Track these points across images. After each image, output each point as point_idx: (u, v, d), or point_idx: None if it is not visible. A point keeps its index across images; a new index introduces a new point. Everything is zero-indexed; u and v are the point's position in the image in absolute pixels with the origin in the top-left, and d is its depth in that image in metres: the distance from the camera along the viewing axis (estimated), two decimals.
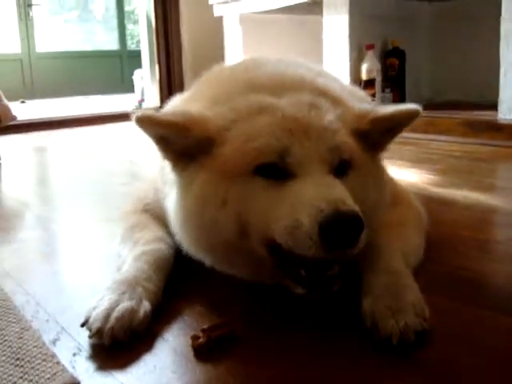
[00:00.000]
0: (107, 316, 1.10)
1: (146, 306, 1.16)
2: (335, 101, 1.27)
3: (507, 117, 3.64)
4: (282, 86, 1.26)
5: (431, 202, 2.04)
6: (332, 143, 1.15)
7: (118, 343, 1.08)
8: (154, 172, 1.58)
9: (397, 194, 1.52)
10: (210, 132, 1.16)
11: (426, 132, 3.87)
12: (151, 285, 1.23)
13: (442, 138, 3.71)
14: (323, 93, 1.28)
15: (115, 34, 12.73)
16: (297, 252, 1.06)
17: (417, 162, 2.96)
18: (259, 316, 1.22)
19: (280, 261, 1.14)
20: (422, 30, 5.09)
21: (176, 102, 1.51)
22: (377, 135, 1.26)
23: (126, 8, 13.00)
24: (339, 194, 1.07)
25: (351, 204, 1.05)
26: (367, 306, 1.12)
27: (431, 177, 2.59)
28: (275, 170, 1.12)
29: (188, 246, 1.28)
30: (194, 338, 1.08)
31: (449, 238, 1.69)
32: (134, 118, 1.13)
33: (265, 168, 1.12)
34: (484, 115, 3.82)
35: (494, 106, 3.78)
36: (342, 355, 1.05)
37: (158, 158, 1.32)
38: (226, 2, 5.51)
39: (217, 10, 5.68)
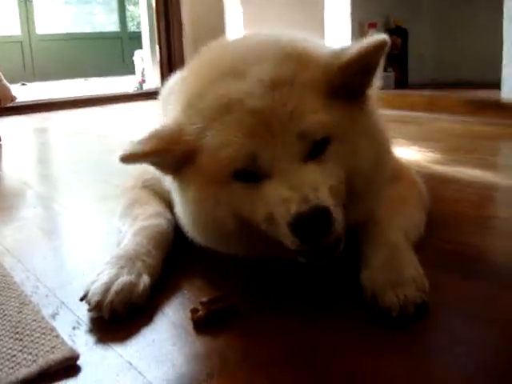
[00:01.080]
0: (106, 290, 1.10)
1: (145, 279, 1.16)
2: (300, 61, 1.18)
3: (510, 96, 3.62)
4: (246, 62, 1.19)
5: (433, 180, 2.02)
6: (299, 130, 1.10)
7: (117, 317, 1.08)
8: None
9: (398, 170, 1.50)
10: (188, 144, 1.16)
11: (427, 111, 3.85)
12: (150, 259, 1.23)
13: (444, 116, 3.69)
14: (287, 57, 1.18)
15: (115, 16, 12.66)
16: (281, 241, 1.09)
17: (418, 140, 2.94)
18: (258, 289, 1.22)
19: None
20: (425, 9, 5.05)
21: (173, 82, 1.54)
22: (352, 81, 1.18)
23: None
24: (306, 188, 1.05)
25: (316, 197, 1.04)
26: (366, 279, 1.12)
27: (433, 155, 2.57)
28: (250, 174, 1.12)
29: (200, 240, 1.29)
30: (193, 311, 1.07)
31: (451, 215, 1.68)
32: (118, 159, 1.14)
33: (241, 174, 1.12)
34: (487, 94, 3.80)
35: (497, 84, 3.76)
36: (342, 326, 1.05)
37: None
38: None
39: None
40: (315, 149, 1.12)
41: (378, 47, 1.14)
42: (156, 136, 1.18)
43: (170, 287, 1.23)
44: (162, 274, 1.25)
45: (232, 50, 1.33)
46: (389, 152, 1.32)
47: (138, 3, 7.87)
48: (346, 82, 1.17)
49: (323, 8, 4.63)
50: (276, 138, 1.10)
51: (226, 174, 1.13)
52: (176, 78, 1.56)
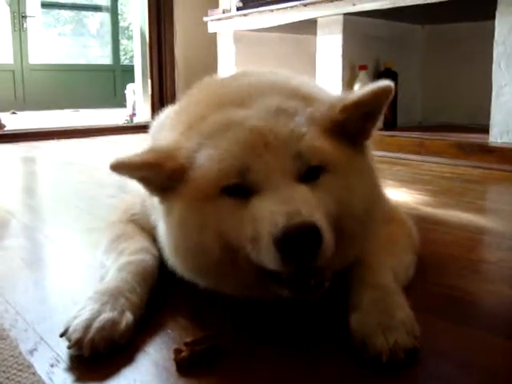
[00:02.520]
0: (87, 326, 1.06)
1: (128, 317, 1.12)
2: (306, 99, 1.22)
3: (498, 140, 3.65)
4: (252, 94, 1.23)
5: (422, 222, 2.01)
6: (295, 150, 1.10)
7: (97, 355, 1.04)
8: (141, 189, 1.55)
9: (388, 211, 1.49)
10: (180, 161, 1.15)
11: (416, 153, 3.87)
12: (134, 296, 1.19)
13: (433, 159, 3.71)
14: (294, 93, 1.23)
15: (109, 49, 12.76)
16: (267, 267, 1.05)
17: (407, 182, 2.94)
18: (246, 330, 1.19)
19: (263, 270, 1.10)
20: (415, 53, 5.13)
21: (165, 115, 1.54)
22: (353, 124, 1.19)
23: (121, 24, 13.05)
24: (296, 204, 1.03)
25: (307, 214, 1.01)
26: (355, 323, 1.09)
27: (422, 197, 2.57)
28: (240, 189, 1.10)
29: (181, 271, 1.25)
30: (177, 351, 1.04)
31: (440, 258, 1.67)
32: (109, 165, 1.14)
33: (230, 188, 1.10)
34: (475, 138, 3.83)
35: (485, 129, 3.80)
36: (329, 372, 1.02)
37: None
38: (221, 19, 5.54)
39: (211, 27, 5.71)
40: (309, 173, 1.12)
41: (383, 93, 1.16)
42: (152, 150, 1.18)
43: (154, 326, 1.19)
44: (146, 312, 1.22)
45: (236, 83, 1.35)
46: (381, 195, 1.31)
47: (131, 37, 7.94)
48: (347, 123, 1.18)
49: (315, 49, 4.69)
50: (272, 152, 1.10)
51: (215, 188, 1.11)
52: (167, 111, 1.56)
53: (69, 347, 1.06)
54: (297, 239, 0.98)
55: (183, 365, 1.02)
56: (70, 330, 1.07)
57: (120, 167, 1.14)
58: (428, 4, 3.89)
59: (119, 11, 12.78)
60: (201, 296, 1.29)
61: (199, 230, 1.12)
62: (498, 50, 3.64)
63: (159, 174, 1.15)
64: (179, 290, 1.34)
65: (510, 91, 3.60)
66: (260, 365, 1.04)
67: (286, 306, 1.22)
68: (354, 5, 4.27)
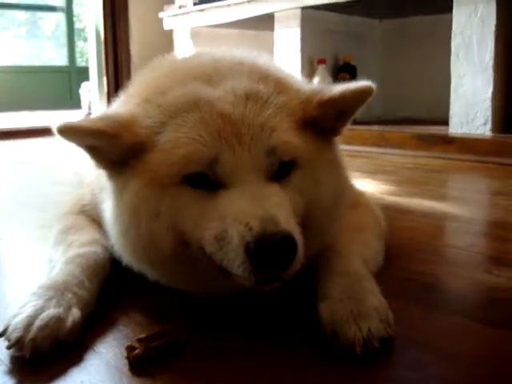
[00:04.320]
0: (29, 324, 0.95)
1: (75, 313, 1.02)
2: (278, 85, 1.13)
3: (458, 130, 3.65)
4: (219, 72, 1.13)
5: (388, 210, 1.94)
6: (268, 145, 1.03)
7: (41, 356, 0.94)
8: (91, 176, 1.44)
9: (355, 197, 1.43)
10: (140, 137, 1.04)
11: (377, 145, 3.84)
12: (83, 291, 1.09)
13: (394, 151, 3.69)
14: (264, 76, 1.14)
15: (64, 51, 12.48)
16: (227, 268, 0.97)
17: (370, 173, 2.90)
18: (204, 324, 1.10)
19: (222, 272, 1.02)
20: (373, 47, 5.12)
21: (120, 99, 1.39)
22: (327, 120, 1.12)
23: (77, 25, 12.79)
24: (272, 208, 0.95)
25: (284, 222, 0.94)
26: (325, 311, 1.01)
27: (386, 187, 2.53)
28: (205, 180, 1.01)
29: (128, 260, 1.15)
30: (130, 348, 0.94)
31: (407, 245, 1.62)
32: (54, 128, 1.00)
33: (193, 178, 1.01)
34: (435, 129, 3.83)
35: (444, 122, 3.81)
36: (298, 363, 0.94)
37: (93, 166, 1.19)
38: (177, 15, 5.43)
39: (167, 23, 5.59)
40: (280, 170, 1.04)
41: (363, 94, 1.10)
42: (106, 117, 1.07)
43: (105, 322, 1.09)
44: (96, 308, 1.12)
45: (198, 59, 1.25)
46: (348, 184, 1.25)
47: (87, 39, 7.76)
48: (322, 118, 1.11)
49: (273, 44, 4.63)
50: (243, 145, 1.01)
51: (177, 175, 1.01)
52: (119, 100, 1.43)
53: (8, 347, 0.94)
54: (271, 250, 0.90)
55: (137, 363, 0.92)
56: (10, 328, 0.96)
57: (68, 131, 1.01)
58: None
59: (74, 13, 12.52)
60: (155, 289, 1.20)
61: (152, 217, 1.03)
62: (456, 41, 3.64)
63: (114, 147, 1.04)
64: (132, 283, 1.24)
65: (468, 82, 3.60)
66: (221, 361, 0.96)
67: (247, 298, 1.14)
68: None
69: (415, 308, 1.17)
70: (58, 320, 0.98)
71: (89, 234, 1.31)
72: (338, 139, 1.22)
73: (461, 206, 2.21)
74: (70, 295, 1.05)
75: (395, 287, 1.25)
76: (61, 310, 1.00)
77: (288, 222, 0.95)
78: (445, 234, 1.85)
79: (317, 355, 0.96)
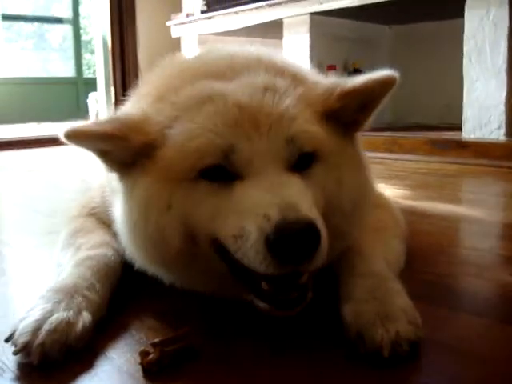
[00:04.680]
0: (37, 328, 0.90)
1: (85, 317, 0.97)
2: (296, 79, 1.09)
3: (471, 135, 3.59)
4: (234, 68, 1.09)
5: (405, 214, 1.87)
6: (288, 134, 0.98)
7: (49, 362, 0.89)
8: (101, 179, 1.39)
9: (376, 198, 1.37)
10: (151, 135, 1.00)
11: (389, 151, 3.78)
12: (93, 294, 1.04)
13: (407, 156, 3.63)
14: (281, 71, 1.10)
15: (71, 63, 12.53)
16: (251, 268, 0.90)
17: (384, 178, 2.84)
18: (221, 328, 1.04)
19: (236, 270, 0.98)
20: (383, 53, 5.08)
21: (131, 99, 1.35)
22: (349, 113, 1.07)
23: (83, 38, 12.84)
24: (291, 197, 0.90)
25: (305, 210, 0.89)
26: (349, 313, 0.95)
27: (401, 191, 2.47)
28: (221, 172, 0.96)
29: (140, 261, 1.11)
30: (144, 354, 0.89)
31: (427, 247, 1.57)
32: (62, 134, 0.96)
33: (210, 171, 0.96)
34: (448, 135, 3.77)
35: (456, 128, 3.76)
36: (314, 369, 0.88)
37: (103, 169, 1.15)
38: (184, 23, 5.41)
39: (174, 31, 5.58)
40: (300, 161, 0.99)
41: (386, 83, 1.05)
42: (116, 120, 1.02)
43: (116, 327, 1.04)
44: (108, 312, 1.06)
45: (213, 55, 1.21)
46: (371, 187, 1.20)
47: (94, 51, 7.77)
48: (344, 110, 1.06)
49: (282, 51, 4.59)
50: (261, 133, 0.96)
51: (191, 169, 0.96)
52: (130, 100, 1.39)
53: (15, 353, 0.89)
54: (293, 238, 0.84)
55: (151, 369, 0.87)
56: (17, 333, 0.91)
57: (76, 136, 0.97)
58: (395, 2, 3.83)
59: (81, 25, 12.58)
60: (168, 292, 1.15)
61: (162, 211, 0.98)
62: (468, 45, 3.58)
63: (124, 149, 1.00)
64: (144, 286, 1.19)
65: (481, 86, 3.54)
66: (238, 367, 0.90)
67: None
68: (321, 3, 4.20)
69: (440, 310, 1.12)
70: (68, 324, 0.93)
71: (99, 236, 1.26)
72: (359, 136, 1.17)
73: (479, 208, 2.15)
74: (80, 298, 1.00)
75: (418, 289, 1.19)
76: (70, 313, 0.95)
77: (310, 210, 0.90)
78: (465, 237, 1.79)
79: (339, 360, 0.91)
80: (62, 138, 0.97)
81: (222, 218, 0.94)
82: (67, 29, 12.50)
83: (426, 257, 1.46)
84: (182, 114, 1.00)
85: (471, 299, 1.22)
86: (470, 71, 3.59)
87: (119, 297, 1.14)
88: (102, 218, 1.34)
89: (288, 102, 1.01)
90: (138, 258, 1.09)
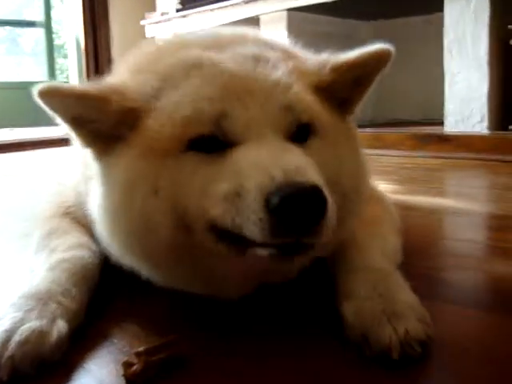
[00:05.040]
0: (6, 340, 0.81)
1: (60, 326, 0.87)
2: (286, 53, 1.02)
3: (454, 129, 3.55)
4: (220, 41, 1.02)
5: (396, 207, 1.84)
6: (284, 101, 0.90)
7: (21, 377, 0.79)
8: (75, 175, 1.29)
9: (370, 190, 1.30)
10: (134, 102, 0.91)
11: (373, 147, 3.72)
12: (70, 300, 0.94)
13: (391, 152, 3.58)
14: (270, 45, 1.03)
15: (44, 67, 12.35)
16: (243, 234, 0.81)
17: (371, 173, 2.79)
18: (211, 335, 0.95)
19: (234, 248, 0.87)
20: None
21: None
22: (343, 89, 1.01)
23: (56, 42, 12.66)
24: (297, 161, 0.82)
25: (313, 175, 0.81)
26: (352, 312, 0.87)
27: (389, 186, 2.41)
28: (214, 142, 0.87)
29: (119, 254, 1.00)
30: (127, 364, 0.80)
31: (421, 241, 1.51)
32: (36, 91, 0.87)
33: (200, 141, 0.87)
34: (431, 129, 3.74)
35: (437, 123, 3.73)
36: (313, 375, 0.80)
37: (79, 150, 1.05)
38: (159, 22, 5.31)
39: (149, 31, 5.47)
40: (298, 134, 0.91)
41: (381, 57, 0.99)
42: (97, 83, 0.93)
43: (96, 335, 0.94)
44: (85, 319, 0.97)
45: (198, 33, 1.13)
46: (368, 171, 1.12)
47: (67, 56, 7.63)
48: (337, 84, 0.99)
49: None
50: (256, 100, 0.88)
51: (180, 140, 0.87)
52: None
53: None
54: (299, 202, 0.75)
55: (135, 381, 0.78)
56: None
57: (52, 93, 0.88)
58: None
59: (54, 29, 12.41)
60: (152, 295, 1.06)
61: (149, 195, 0.88)
62: (448, 37, 3.54)
63: (103, 114, 0.90)
64: (126, 289, 1.10)
65: (463, 78, 3.51)
66: (230, 376, 0.81)
67: (256, 305, 1.00)
68: None
69: (444, 306, 1.05)
70: (41, 334, 0.83)
71: (75, 237, 1.16)
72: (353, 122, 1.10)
73: (468, 201, 2.11)
74: (54, 305, 0.90)
75: (418, 285, 1.12)
76: (44, 322, 0.86)
77: (314, 174, 0.81)
78: (458, 229, 1.73)
79: (340, 363, 0.83)
80: (36, 96, 0.87)
81: (214, 186, 0.84)
82: (40, 33, 12.33)
83: (421, 251, 1.40)
84: (167, 84, 0.92)
85: (476, 294, 1.15)
86: (451, 64, 3.55)
87: (98, 301, 1.05)
88: (78, 218, 1.23)
89: (281, 71, 0.94)
90: (118, 251, 0.99)
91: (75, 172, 1.23)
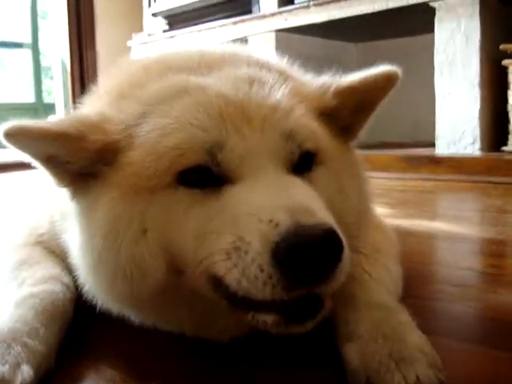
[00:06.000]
0: None
1: (25, 372, 0.76)
2: (283, 74, 0.94)
3: (445, 151, 3.50)
4: (209, 62, 0.93)
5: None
6: (285, 128, 0.82)
7: None
8: (49, 200, 1.19)
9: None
10: (112, 135, 0.82)
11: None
12: (36, 342, 0.83)
13: (381, 174, 3.50)
14: (265, 66, 0.95)
15: (31, 89, 12.28)
16: (249, 295, 0.72)
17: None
18: (195, 378, 0.85)
19: (234, 303, 0.78)
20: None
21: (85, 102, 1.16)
22: (345, 114, 0.93)
23: (44, 64, 12.62)
24: (302, 198, 0.73)
25: (322, 214, 0.72)
26: (356, 356, 0.77)
27: (383, 209, 2.32)
28: (206, 175, 0.78)
29: (105, 301, 0.91)
30: None
31: (421, 268, 1.42)
32: (2, 131, 0.78)
33: (190, 174, 0.78)
34: (422, 151, 3.69)
35: (427, 144, 3.70)
36: None
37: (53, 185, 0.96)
38: (146, 43, 5.25)
39: (135, 52, 5.40)
40: (301, 163, 0.82)
41: (386, 81, 0.92)
42: (70, 119, 0.84)
43: (67, 381, 0.84)
44: (56, 363, 0.86)
45: (184, 52, 1.04)
46: (371, 199, 1.04)
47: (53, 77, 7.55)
48: (339, 110, 0.92)
49: None
50: (254, 128, 0.79)
51: (167, 173, 0.78)
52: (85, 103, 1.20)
53: None
54: (312, 249, 0.66)
55: None
56: None
57: (21, 134, 0.79)
58: (360, 17, 3.75)
59: (41, 51, 12.37)
60: (133, 333, 0.95)
61: (136, 237, 0.79)
62: (439, 58, 3.50)
63: (79, 153, 0.81)
64: (103, 328, 0.99)
65: (454, 100, 3.46)
66: None
67: (250, 343, 0.91)
68: (286, 20, 4.09)
69: (450, 342, 0.95)
70: (2, 382, 0.73)
71: (46, 268, 1.05)
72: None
73: (466, 225, 2.03)
74: (18, 348, 0.80)
75: (425, 319, 1.03)
76: (6, 368, 0.76)
77: (327, 216, 0.72)
78: (459, 256, 1.63)
79: None
80: (1, 137, 0.78)
81: (211, 233, 0.75)
82: (27, 54, 12.28)
83: (422, 279, 1.32)
84: (151, 109, 0.83)
85: (484, 329, 1.06)
86: (442, 85, 3.50)
87: (71, 342, 0.94)
88: (51, 247, 1.13)
89: (280, 95, 0.85)
90: (102, 296, 0.89)
91: (50, 199, 1.13)
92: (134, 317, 0.93)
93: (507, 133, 3.35)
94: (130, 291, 0.83)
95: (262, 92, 0.85)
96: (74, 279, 0.98)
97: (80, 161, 0.83)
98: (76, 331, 0.98)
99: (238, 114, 0.80)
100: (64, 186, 0.88)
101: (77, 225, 0.87)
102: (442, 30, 3.45)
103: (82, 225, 0.85)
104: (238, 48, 1.06)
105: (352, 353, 0.78)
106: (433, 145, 3.62)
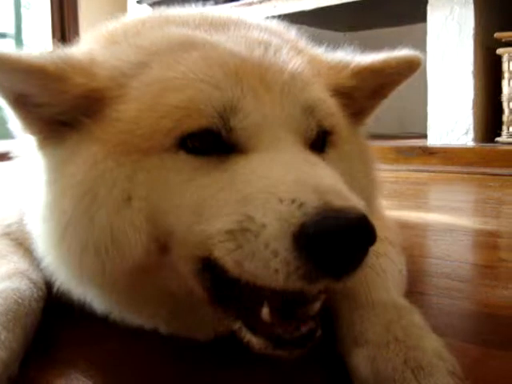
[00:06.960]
0: None
1: None
2: (296, 46, 0.84)
3: (437, 142, 3.42)
4: (213, 22, 0.82)
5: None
6: (306, 100, 0.72)
7: None
8: (20, 190, 1.07)
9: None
10: (100, 81, 0.70)
11: None
12: None
13: None
14: (278, 34, 0.86)
15: None
16: (254, 280, 0.61)
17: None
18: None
19: (224, 294, 0.68)
20: None
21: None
22: (361, 96, 0.85)
23: None
24: (331, 179, 0.63)
25: (356, 200, 0.62)
26: (365, 362, 0.68)
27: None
28: (213, 142, 0.67)
29: (68, 280, 0.78)
30: None
31: (423, 262, 1.34)
32: None
33: (195, 139, 0.67)
34: (412, 142, 3.61)
35: (417, 136, 3.66)
36: None
37: (21, 145, 0.85)
38: None
39: None
40: (316, 142, 0.73)
41: (410, 64, 0.87)
42: (53, 55, 0.72)
43: None
44: (20, 371, 0.75)
45: (183, 11, 0.93)
46: (379, 190, 0.96)
47: None
48: (356, 91, 0.84)
49: None
50: (272, 94, 0.69)
51: (166, 138, 0.67)
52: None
53: None
54: (345, 236, 0.56)
55: None
56: None
57: None
58: (350, 4, 3.66)
59: (24, 41, 12.20)
60: (105, 336, 0.85)
61: (119, 204, 0.67)
62: (431, 47, 3.42)
63: (57, 95, 0.70)
64: (75, 331, 0.89)
65: (446, 90, 3.37)
66: None
67: (230, 349, 0.80)
68: (275, 7, 3.98)
69: (472, 345, 0.85)
70: None
71: (11, 262, 0.94)
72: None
73: (463, 216, 1.95)
74: None
75: (433, 316, 0.94)
76: None
77: (358, 200, 0.62)
78: (461, 249, 1.55)
79: None
80: None
81: (213, 206, 0.64)
82: (10, 44, 12.12)
83: (427, 273, 1.23)
84: (151, 58, 0.72)
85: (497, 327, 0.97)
86: (434, 75, 3.42)
87: (38, 346, 0.84)
88: (19, 239, 1.02)
89: (298, 63, 0.76)
90: (68, 277, 0.77)
91: (19, 187, 1.02)
92: (99, 303, 0.80)
93: (501, 123, 3.28)
94: (101, 268, 0.70)
95: (279, 57, 0.75)
96: (44, 275, 0.87)
97: (56, 106, 0.71)
98: (45, 333, 0.87)
99: (256, 76, 0.70)
100: (32, 134, 0.76)
101: (42, 182, 0.75)
102: (435, 17, 3.36)
103: (50, 181, 0.73)
104: (245, 15, 0.95)
105: (361, 359, 0.68)
106: (422, 136, 3.54)
